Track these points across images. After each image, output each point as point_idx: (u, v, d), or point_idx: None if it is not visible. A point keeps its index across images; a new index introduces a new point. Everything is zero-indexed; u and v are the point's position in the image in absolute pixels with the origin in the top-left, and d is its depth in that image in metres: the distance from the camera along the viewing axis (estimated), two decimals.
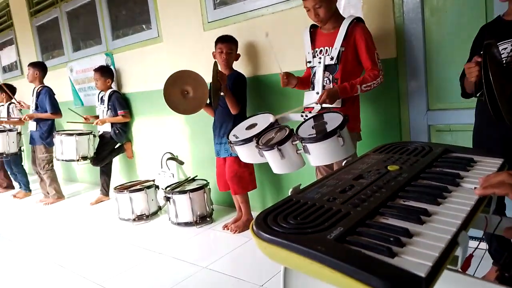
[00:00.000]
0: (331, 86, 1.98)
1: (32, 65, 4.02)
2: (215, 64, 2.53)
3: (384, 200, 0.81)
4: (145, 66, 3.66)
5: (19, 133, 4.27)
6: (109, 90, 3.75)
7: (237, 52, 2.72)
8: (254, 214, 2.86)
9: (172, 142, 3.62)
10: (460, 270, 0.79)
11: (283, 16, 2.61)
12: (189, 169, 3.55)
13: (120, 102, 3.75)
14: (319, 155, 1.50)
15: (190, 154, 3.52)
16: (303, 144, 1.49)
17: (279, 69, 2.07)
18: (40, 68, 4.03)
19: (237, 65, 2.77)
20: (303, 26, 2.16)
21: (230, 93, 2.57)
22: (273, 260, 0.71)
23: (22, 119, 4.10)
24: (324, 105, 1.94)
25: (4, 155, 4.18)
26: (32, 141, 4.09)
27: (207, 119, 2.93)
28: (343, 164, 1.08)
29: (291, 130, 1.58)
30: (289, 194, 0.85)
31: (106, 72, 3.73)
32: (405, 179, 0.91)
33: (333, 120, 1.54)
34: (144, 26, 3.63)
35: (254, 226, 0.73)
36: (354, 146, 1.87)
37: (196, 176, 3.30)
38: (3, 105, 4.44)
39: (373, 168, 1.00)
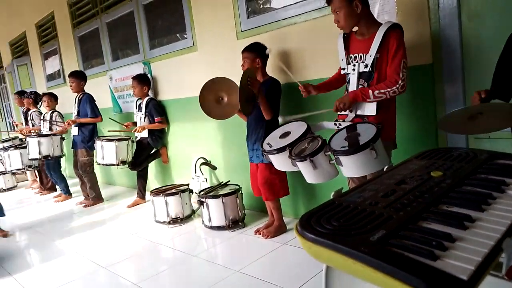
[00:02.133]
0: None
1: (75, 76, 4.21)
2: (245, 72, 2.52)
3: (426, 205, 0.82)
4: (180, 74, 3.78)
5: (62, 138, 4.51)
6: (147, 98, 3.89)
7: (258, 59, 2.65)
8: (286, 219, 2.88)
9: (206, 148, 3.70)
10: (505, 277, 0.78)
11: (315, 24, 2.63)
12: (221, 174, 3.61)
13: (157, 109, 3.89)
14: (352, 167, 1.49)
15: (223, 160, 3.58)
16: (335, 156, 1.48)
17: (295, 80, 2.12)
18: (84, 78, 4.28)
19: (271, 72, 2.81)
20: (336, 34, 2.16)
21: (264, 99, 2.57)
22: (316, 259, 0.74)
23: (65, 125, 4.33)
24: (358, 113, 1.93)
25: (49, 158, 4.42)
26: (74, 145, 4.32)
27: (239, 124, 2.98)
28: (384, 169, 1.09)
29: (324, 141, 1.58)
30: (331, 197, 0.88)
31: (143, 80, 3.89)
32: (448, 185, 0.91)
33: (366, 132, 1.52)
34: (179, 36, 3.76)
35: (298, 227, 0.76)
36: (389, 157, 1.81)
37: (229, 181, 3.36)
38: (47, 113, 4.70)
39: (415, 174, 1.00)
